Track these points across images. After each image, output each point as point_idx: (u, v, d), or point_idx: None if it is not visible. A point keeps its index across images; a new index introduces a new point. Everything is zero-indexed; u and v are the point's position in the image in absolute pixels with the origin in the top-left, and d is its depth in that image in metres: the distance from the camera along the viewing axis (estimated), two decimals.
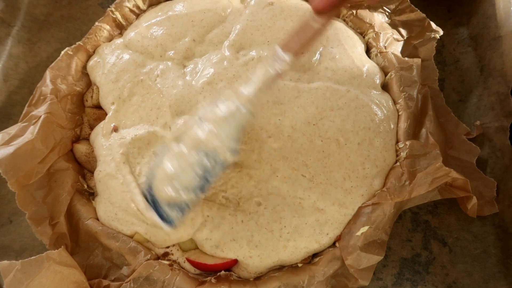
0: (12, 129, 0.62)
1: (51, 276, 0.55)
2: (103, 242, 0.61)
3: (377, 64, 0.74)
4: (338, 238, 0.61)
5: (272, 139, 0.64)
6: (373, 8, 0.77)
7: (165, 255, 0.62)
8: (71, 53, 0.72)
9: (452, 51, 0.81)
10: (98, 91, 0.71)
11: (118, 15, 0.76)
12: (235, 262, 0.61)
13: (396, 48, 0.73)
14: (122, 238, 0.61)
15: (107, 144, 0.66)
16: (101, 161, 0.65)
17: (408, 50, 0.73)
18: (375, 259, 0.59)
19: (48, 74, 0.68)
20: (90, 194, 0.68)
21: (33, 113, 0.64)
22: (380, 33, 0.74)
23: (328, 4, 0.53)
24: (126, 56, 0.71)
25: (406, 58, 0.71)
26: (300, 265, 0.61)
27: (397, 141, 0.67)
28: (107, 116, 0.68)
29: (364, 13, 0.76)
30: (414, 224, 0.69)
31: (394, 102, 0.70)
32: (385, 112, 0.68)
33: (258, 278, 0.61)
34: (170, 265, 0.60)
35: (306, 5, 0.76)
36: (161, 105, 0.68)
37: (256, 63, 0.69)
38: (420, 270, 0.66)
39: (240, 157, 0.63)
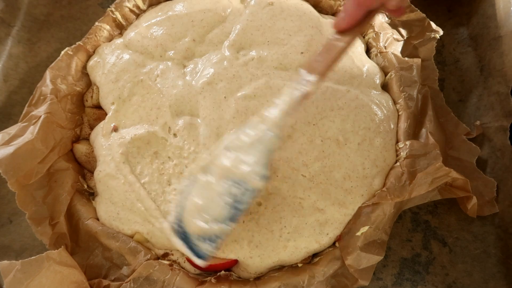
0: (12, 129, 0.62)
1: (51, 276, 0.55)
2: (103, 242, 0.61)
3: (377, 64, 0.74)
4: (338, 238, 0.61)
5: None
6: None
7: (165, 255, 0.62)
8: (71, 53, 0.72)
9: (452, 51, 0.81)
10: (98, 91, 0.71)
11: (118, 15, 0.76)
12: (235, 262, 0.61)
13: (396, 48, 0.73)
14: (122, 238, 0.61)
15: (106, 144, 0.66)
16: (101, 161, 0.66)
17: (408, 50, 0.73)
18: (375, 259, 0.59)
19: (48, 74, 0.68)
20: (90, 194, 0.68)
21: (33, 113, 0.64)
22: (380, 33, 0.74)
23: (350, 24, 0.53)
24: (126, 56, 0.71)
25: (406, 58, 0.71)
26: (300, 265, 0.61)
27: (397, 141, 0.67)
28: (107, 116, 0.68)
29: None
30: (414, 224, 0.69)
31: (394, 102, 0.70)
32: (385, 112, 0.68)
33: (258, 278, 0.61)
34: (170, 265, 0.60)
35: (306, 5, 0.76)
36: (161, 105, 0.68)
37: (256, 63, 0.69)
38: (420, 270, 0.66)
39: None
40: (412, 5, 0.73)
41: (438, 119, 0.70)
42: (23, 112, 0.65)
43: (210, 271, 0.61)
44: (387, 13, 0.75)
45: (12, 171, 0.59)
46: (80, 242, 0.63)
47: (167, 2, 0.79)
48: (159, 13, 0.76)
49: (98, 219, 0.64)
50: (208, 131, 0.65)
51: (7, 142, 0.61)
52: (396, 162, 0.65)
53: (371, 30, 0.75)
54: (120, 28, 0.78)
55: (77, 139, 0.70)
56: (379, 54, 0.74)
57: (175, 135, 0.66)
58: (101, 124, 0.69)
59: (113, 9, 0.76)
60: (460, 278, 0.65)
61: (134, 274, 0.58)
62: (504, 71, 0.69)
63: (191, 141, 0.65)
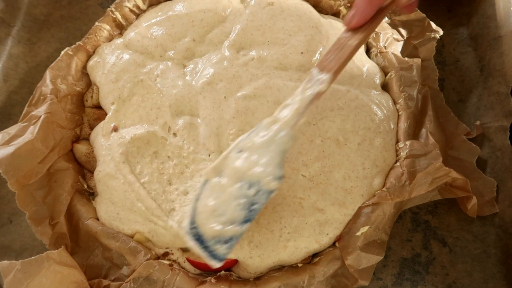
0: (12, 129, 0.62)
1: (51, 276, 0.55)
2: (103, 242, 0.61)
3: (377, 64, 0.74)
4: (338, 238, 0.61)
5: None
6: None
7: (165, 254, 0.62)
8: (71, 53, 0.72)
9: (452, 51, 0.81)
10: (98, 91, 0.71)
11: (118, 15, 0.76)
12: (235, 262, 0.61)
13: (396, 48, 0.73)
14: (122, 238, 0.61)
15: (106, 144, 0.66)
16: (101, 161, 0.66)
17: (408, 50, 0.73)
18: (375, 259, 0.59)
19: (48, 74, 0.68)
20: (90, 194, 0.68)
21: (33, 113, 0.64)
22: (380, 33, 0.74)
23: (361, 21, 0.52)
24: (126, 56, 0.71)
25: (406, 58, 0.71)
26: (300, 265, 0.61)
27: (397, 141, 0.67)
28: (107, 116, 0.68)
29: None
30: (414, 224, 0.69)
31: (394, 102, 0.70)
32: (385, 112, 0.68)
33: (258, 278, 0.61)
34: (170, 265, 0.60)
35: (306, 5, 0.76)
36: (161, 105, 0.68)
37: (256, 63, 0.69)
38: (420, 270, 0.66)
39: None
40: None
41: (438, 119, 0.70)
42: (23, 112, 0.65)
43: (210, 271, 0.61)
44: (397, 11, 0.75)
45: (12, 171, 0.59)
46: (80, 242, 0.63)
47: (167, 2, 0.79)
48: (159, 13, 0.76)
49: (98, 219, 0.64)
50: (208, 131, 0.65)
51: (7, 142, 0.61)
52: (396, 162, 0.65)
53: None
54: (120, 28, 0.78)
55: (77, 139, 0.70)
56: (379, 54, 0.74)
57: (174, 134, 0.66)
58: (101, 124, 0.69)
59: (113, 9, 0.76)
60: (460, 278, 0.65)
61: (134, 274, 0.58)
62: (504, 71, 0.69)
63: (191, 140, 0.65)
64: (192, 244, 0.54)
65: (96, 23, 0.75)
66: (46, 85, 0.67)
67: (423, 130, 0.66)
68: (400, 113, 0.69)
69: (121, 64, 0.71)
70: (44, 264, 0.55)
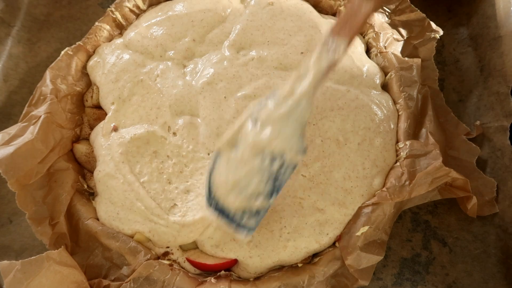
0: (12, 129, 0.62)
1: (51, 276, 0.55)
2: (103, 242, 0.61)
3: (377, 64, 0.74)
4: (338, 238, 0.61)
5: None
6: None
7: (165, 254, 0.62)
8: (71, 53, 0.72)
9: (452, 51, 0.81)
10: (98, 91, 0.71)
11: (118, 15, 0.76)
12: (235, 262, 0.61)
13: (396, 48, 0.73)
14: (122, 238, 0.61)
15: (106, 144, 0.66)
16: (101, 161, 0.66)
17: (408, 50, 0.73)
18: (375, 259, 0.59)
19: (48, 74, 0.68)
20: (90, 194, 0.68)
21: (33, 113, 0.64)
22: (380, 33, 0.74)
23: None
24: (126, 56, 0.71)
25: (406, 58, 0.71)
26: (300, 265, 0.61)
27: (397, 141, 0.67)
28: (107, 116, 0.68)
29: None
30: (414, 224, 0.69)
31: (394, 102, 0.70)
32: (385, 112, 0.68)
33: (258, 278, 0.61)
34: (170, 265, 0.60)
35: (306, 5, 0.76)
36: (161, 105, 0.68)
37: (256, 63, 0.69)
38: (420, 270, 0.66)
39: None
40: (412, 5, 0.73)
41: (438, 119, 0.70)
42: (23, 112, 0.65)
43: (210, 271, 0.61)
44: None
45: (12, 171, 0.59)
46: (80, 242, 0.63)
47: (167, 2, 0.79)
48: (159, 13, 0.76)
49: (98, 219, 0.64)
50: (208, 130, 0.65)
51: (7, 142, 0.61)
52: (396, 162, 0.65)
53: (371, 30, 0.76)
54: (120, 28, 0.78)
55: (77, 139, 0.70)
56: (379, 54, 0.74)
57: (174, 134, 0.66)
58: (101, 124, 0.69)
59: (113, 9, 0.76)
60: (460, 278, 0.65)
61: (134, 274, 0.58)
62: (504, 71, 0.69)
63: (191, 140, 0.65)
64: (215, 217, 0.54)
65: (96, 23, 0.75)
66: (46, 85, 0.67)
67: (423, 130, 0.66)
68: (400, 113, 0.69)
69: (121, 64, 0.71)
70: (44, 264, 0.55)
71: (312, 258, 0.62)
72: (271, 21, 0.73)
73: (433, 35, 0.72)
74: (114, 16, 0.76)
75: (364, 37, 0.78)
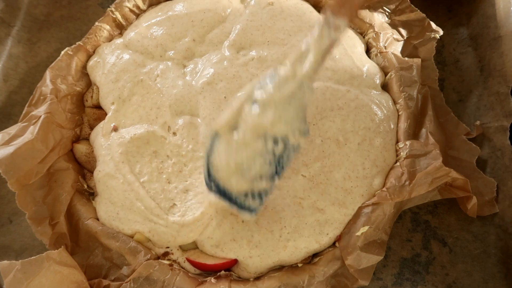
0: (12, 129, 0.62)
1: (51, 276, 0.55)
2: (103, 242, 0.61)
3: (377, 64, 0.74)
4: (338, 238, 0.61)
5: None
6: (373, 8, 0.77)
7: (165, 254, 0.62)
8: (71, 53, 0.72)
9: (452, 51, 0.81)
10: (98, 91, 0.71)
11: (118, 15, 0.76)
12: (235, 262, 0.61)
13: (396, 48, 0.73)
14: (122, 238, 0.61)
15: (106, 144, 0.66)
16: (101, 161, 0.66)
17: (408, 50, 0.73)
18: (375, 259, 0.59)
19: (48, 74, 0.68)
20: (90, 194, 0.68)
21: (33, 113, 0.64)
22: (380, 33, 0.74)
23: None
24: (126, 56, 0.72)
25: (406, 58, 0.71)
26: (300, 265, 0.61)
27: (397, 141, 0.67)
28: (107, 116, 0.68)
29: (364, 13, 0.77)
30: (414, 224, 0.69)
31: (394, 102, 0.70)
32: (385, 112, 0.68)
33: (258, 278, 0.61)
34: (170, 265, 0.60)
35: (306, 5, 0.76)
36: (161, 104, 0.68)
37: (256, 63, 0.69)
38: (420, 270, 0.66)
39: None
40: (412, 5, 0.73)
41: (438, 119, 0.70)
42: (23, 112, 0.65)
43: (210, 271, 0.61)
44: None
45: (12, 171, 0.59)
46: (80, 242, 0.63)
47: (167, 2, 0.79)
48: (159, 13, 0.76)
49: (98, 219, 0.64)
50: (208, 130, 0.65)
51: (7, 142, 0.61)
52: (396, 162, 0.65)
53: (371, 30, 0.76)
54: (120, 28, 0.78)
55: (77, 139, 0.70)
56: (379, 54, 0.74)
57: (174, 134, 0.66)
58: (101, 124, 0.69)
59: (113, 9, 0.76)
60: (460, 278, 0.65)
61: (134, 274, 0.58)
62: (504, 71, 0.69)
63: (190, 139, 0.65)
64: (217, 199, 0.54)
65: (96, 23, 0.75)
66: (46, 85, 0.67)
67: (423, 130, 0.66)
68: (400, 113, 0.69)
69: (121, 64, 0.71)
70: (44, 264, 0.55)
71: (312, 258, 0.62)
72: (271, 21, 0.73)
73: (433, 35, 0.72)
74: (114, 16, 0.76)
75: (364, 37, 0.78)
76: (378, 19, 0.76)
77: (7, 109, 0.77)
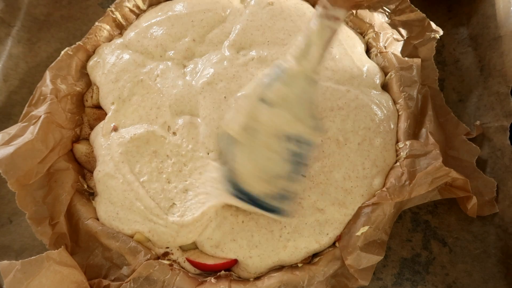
0: (12, 129, 0.62)
1: (51, 276, 0.55)
2: (103, 242, 0.61)
3: (377, 64, 0.74)
4: (338, 238, 0.61)
5: None
6: (373, 8, 0.77)
7: (165, 254, 0.62)
8: (71, 53, 0.72)
9: (452, 51, 0.81)
10: (98, 91, 0.71)
11: (118, 15, 0.76)
12: (235, 262, 0.61)
13: (396, 48, 0.73)
14: (122, 238, 0.61)
15: (106, 144, 0.66)
16: (100, 161, 0.66)
17: (408, 50, 0.73)
18: (375, 259, 0.59)
19: (48, 74, 0.68)
20: (90, 194, 0.68)
21: (33, 113, 0.64)
22: (380, 33, 0.74)
23: None
24: (126, 56, 0.72)
25: (406, 58, 0.71)
26: (300, 265, 0.61)
27: (397, 141, 0.67)
28: (107, 116, 0.68)
29: (364, 13, 0.77)
30: (414, 224, 0.69)
31: (394, 102, 0.70)
32: (385, 112, 0.68)
33: (258, 278, 0.61)
34: (170, 265, 0.60)
35: (306, 5, 0.76)
36: (161, 104, 0.68)
37: (256, 63, 0.69)
38: (420, 270, 0.66)
39: None
40: (412, 5, 0.73)
41: (438, 119, 0.70)
42: (23, 112, 0.65)
43: (210, 271, 0.61)
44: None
45: (12, 171, 0.59)
46: (80, 242, 0.63)
47: (167, 2, 0.79)
48: (159, 13, 0.76)
49: (98, 219, 0.64)
50: (208, 130, 0.65)
51: (7, 142, 0.61)
52: (396, 162, 0.65)
53: (371, 30, 0.76)
54: (120, 28, 0.78)
55: (77, 139, 0.70)
56: (379, 54, 0.74)
57: (174, 133, 0.66)
58: (101, 124, 0.69)
59: (113, 9, 0.76)
60: (460, 278, 0.65)
61: (134, 274, 0.58)
62: (504, 71, 0.69)
63: (190, 139, 0.65)
64: (241, 204, 0.54)
65: (96, 23, 0.75)
66: (46, 85, 0.67)
67: (423, 130, 0.66)
68: (400, 113, 0.69)
69: (121, 64, 0.71)
70: (44, 264, 0.55)
71: (312, 258, 0.62)
72: (271, 21, 0.73)
73: (433, 35, 0.72)
74: (114, 16, 0.76)
75: (364, 37, 0.78)
76: (378, 19, 0.76)
77: (7, 109, 0.77)
